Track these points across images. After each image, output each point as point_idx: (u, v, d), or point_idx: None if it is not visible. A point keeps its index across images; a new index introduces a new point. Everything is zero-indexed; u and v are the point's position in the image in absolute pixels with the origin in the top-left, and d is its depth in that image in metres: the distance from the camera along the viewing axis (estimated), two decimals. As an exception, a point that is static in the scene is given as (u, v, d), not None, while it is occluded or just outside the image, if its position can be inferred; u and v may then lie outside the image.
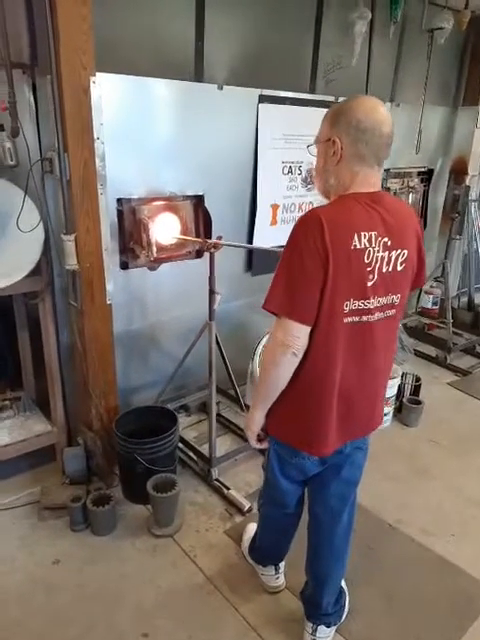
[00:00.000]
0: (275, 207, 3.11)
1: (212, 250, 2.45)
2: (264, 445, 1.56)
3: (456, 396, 3.58)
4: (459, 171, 4.08)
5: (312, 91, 3.12)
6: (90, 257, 2.27)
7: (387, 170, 3.74)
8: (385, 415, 3.07)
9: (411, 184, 3.99)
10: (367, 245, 1.30)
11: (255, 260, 3.17)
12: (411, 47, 3.40)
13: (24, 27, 2.08)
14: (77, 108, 2.05)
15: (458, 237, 4.01)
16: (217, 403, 3.09)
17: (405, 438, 3.09)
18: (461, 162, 4.07)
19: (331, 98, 3.15)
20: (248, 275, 3.22)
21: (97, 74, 2.05)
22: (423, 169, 4.04)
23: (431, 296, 4.32)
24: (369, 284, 1.33)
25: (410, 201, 3.96)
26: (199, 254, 2.93)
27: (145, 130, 2.47)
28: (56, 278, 2.40)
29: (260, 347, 3.01)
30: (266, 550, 1.95)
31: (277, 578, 2.00)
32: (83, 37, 1.98)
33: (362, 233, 1.29)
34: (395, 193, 3.85)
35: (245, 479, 2.63)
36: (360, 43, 2.88)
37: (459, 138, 4.01)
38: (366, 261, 1.31)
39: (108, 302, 2.42)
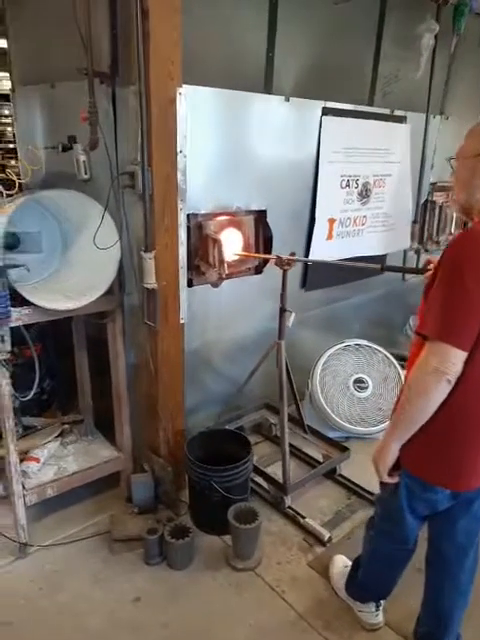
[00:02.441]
0: (332, 221, 3.03)
1: (286, 267, 2.36)
2: (395, 479, 1.46)
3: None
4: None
5: (371, 104, 3.06)
6: (166, 275, 2.17)
7: (433, 184, 3.68)
8: None
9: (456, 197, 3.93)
10: None
11: (310, 275, 3.09)
12: (463, 60, 3.37)
13: (105, 34, 1.99)
14: (163, 120, 1.96)
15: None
16: (272, 425, 3.00)
17: None
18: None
19: (387, 111, 3.10)
20: (302, 291, 3.14)
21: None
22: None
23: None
24: None
25: (454, 215, 3.91)
26: (258, 270, 2.85)
27: (213, 142, 2.38)
28: (125, 296, 2.30)
29: (319, 367, 2.92)
30: (371, 586, 1.84)
31: (377, 615, 1.88)
32: (173, 46, 1.89)
33: None
34: (441, 207, 3.80)
35: (317, 505, 2.52)
36: (426, 56, 2.83)
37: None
38: None
39: (182, 321, 2.32)
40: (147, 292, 2.15)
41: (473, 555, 1.57)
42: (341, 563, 2.08)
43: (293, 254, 2.40)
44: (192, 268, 2.52)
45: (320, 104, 2.73)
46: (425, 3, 2.91)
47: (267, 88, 2.55)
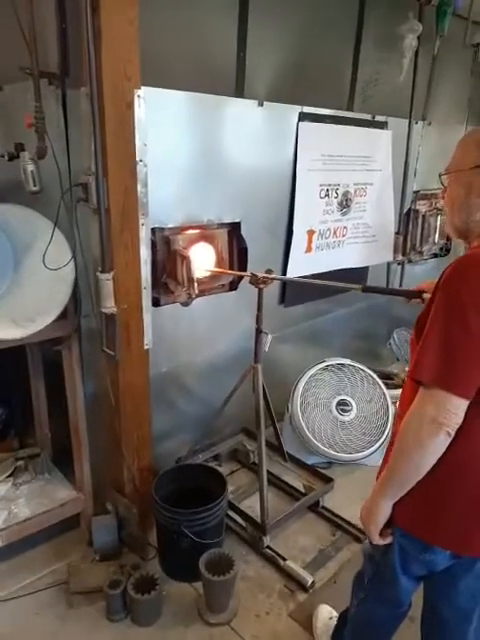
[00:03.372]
0: (311, 233, 2.85)
1: (261, 286, 2.17)
2: (388, 540, 1.26)
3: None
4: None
5: (350, 109, 2.89)
6: (128, 297, 1.96)
7: (416, 192, 3.53)
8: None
9: (439, 206, 3.80)
10: None
11: (289, 291, 2.90)
12: (446, 63, 3.22)
13: (53, 31, 1.77)
14: (119, 126, 1.75)
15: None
16: (250, 452, 2.79)
17: None
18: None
19: (368, 116, 2.93)
20: (281, 307, 2.94)
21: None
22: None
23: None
24: None
25: (438, 223, 3.77)
26: (233, 286, 2.65)
27: (181, 150, 2.17)
28: (82, 319, 2.07)
29: (300, 389, 2.73)
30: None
31: (365, 677, 1.68)
32: (129, 43, 1.69)
33: None
34: (424, 216, 3.65)
35: (298, 544, 2.32)
36: (409, 58, 2.67)
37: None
38: None
39: (146, 347, 2.10)
40: (105, 317, 1.93)
41: (477, 618, 1.38)
42: (326, 614, 1.88)
43: (269, 271, 2.21)
44: (159, 286, 2.31)
45: (296, 109, 2.54)
46: (407, 2, 2.76)
47: (238, 92, 2.36)
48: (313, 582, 2.06)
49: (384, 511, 1.20)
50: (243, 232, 2.55)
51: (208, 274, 2.45)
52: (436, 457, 1.08)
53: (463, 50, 3.14)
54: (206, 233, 2.45)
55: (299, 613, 1.97)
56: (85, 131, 1.77)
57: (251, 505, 2.47)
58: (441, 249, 3.99)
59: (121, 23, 1.65)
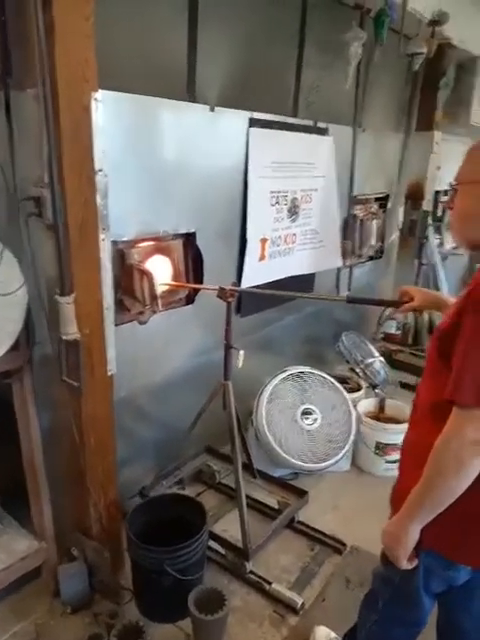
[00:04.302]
0: (264, 241, 2.79)
1: (230, 299, 2.07)
2: (414, 563, 1.21)
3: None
4: (415, 196, 4.10)
5: (295, 115, 2.87)
6: (90, 320, 1.77)
7: (354, 197, 3.60)
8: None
9: (372, 210, 3.91)
10: None
11: (245, 301, 2.82)
12: (381, 71, 3.32)
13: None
14: (75, 132, 1.57)
15: (425, 262, 4.00)
16: (216, 472, 2.67)
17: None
18: (417, 187, 4.08)
19: (311, 122, 2.93)
20: (237, 317, 2.85)
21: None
22: (381, 195, 3.99)
23: (394, 321, 4.27)
24: None
25: (374, 227, 3.87)
26: (190, 300, 2.53)
27: (132, 158, 2.01)
28: (34, 346, 1.85)
29: (264, 401, 2.66)
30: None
31: None
32: (85, 40, 1.52)
33: None
34: (362, 220, 3.73)
35: (280, 564, 2.24)
36: (354, 65, 2.69)
37: (415, 163, 4.02)
38: None
39: (110, 373, 1.92)
40: (66, 344, 1.73)
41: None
42: (324, 636, 1.82)
43: (235, 284, 2.12)
44: (115, 304, 2.13)
45: (247, 115, 2.47)
46: (347, 11, 2.79)
47: (190, 96, 2.24)
48: (303, 603, 1.99)
49: (414, 536, 1.15)
50: (198, 242, 2.44)
51: (166, 289, 2.32)
52: (473, 477, 1.05)
53: (399, 59, 3.24)
54: (162, 245, 2.31)
55: (293, 638, 1.89)
56: (34, 138, 1.57)
57: (225, 528, 2.36)
58: (376, 252, 4.12)
59: (77, 19, 1.48)
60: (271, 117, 2.62)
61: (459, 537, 1.16)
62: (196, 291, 2.49)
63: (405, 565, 1.20)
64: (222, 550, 2.17)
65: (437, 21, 3.11)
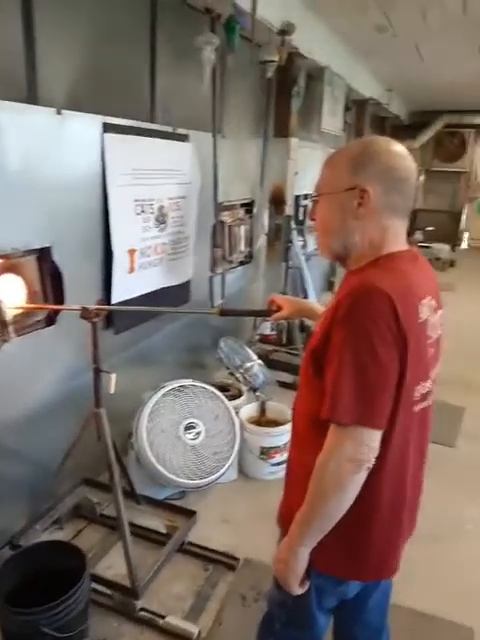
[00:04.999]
0: (132, 252, 2.64)
1: (95, 319, 1.90)
2: (306, 587, 1.17)
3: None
4: (278, 201, 4.22)
5: (152, 120, 2.76)
6: None
7: (220, 203, 3.59)
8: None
9: (239, 216, 3.95)
10: (427, 314, 1.07)
11: (117, 316, 2.65)
12: (238, 78, 3.33)
13: None
14: None
15: (291, 264, 4.13)
16: (95, 505, 2.47)
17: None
18: (279, 192, 4.21)
19: (169, 128, 2.84)
20: (110, 333, 2.67)
21: None
22: (247, 200, 4.05)
23: (269, 323, 4.37)
24: (428, 358, 1.10)
25: (242, 233, 3.92)
26: (50, 320, 2.30)
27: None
28: None
29: (144, 421, 2.52)
30: None
31: None
32: None
33: (422, 301, 1.06)
34: (230, 227, 3.75)
35: (172, 592, 2.12)
36: (209, 70, 2.65)
37: (275, 169, 4.14)
38: (428, 333, 1.08)
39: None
40: None
41: (386, 632, 1.41)
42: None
43: (101, 302, 1.96)
44: (-43, 335, 1.85)
45: (100, 119, 2.31)
46: (198, 16, 2.74)
47: (31, 98, 2.02)
48: (199, 632, 1.90)
49: (303, 560, 1.11)
50: (55, 257, 2.22)
51: (19, 312, 2.07)
52: (355, 494, 1.03)
53: (253, 66, 3.28)
54: (11, 263, 2.06)
55: (192, 672, 1.80)
56: None
57: (110, 564, 2.20)
58: (246, 257, 4.18)
59: None
60: (127, 122, 2.49)
61: (349, 556, 1.15)
62: (57, 311, 2.27)
63: (297, 591, 1.16)
64: (106, 590, 1.99)
65: (285, 31, 3.21)
